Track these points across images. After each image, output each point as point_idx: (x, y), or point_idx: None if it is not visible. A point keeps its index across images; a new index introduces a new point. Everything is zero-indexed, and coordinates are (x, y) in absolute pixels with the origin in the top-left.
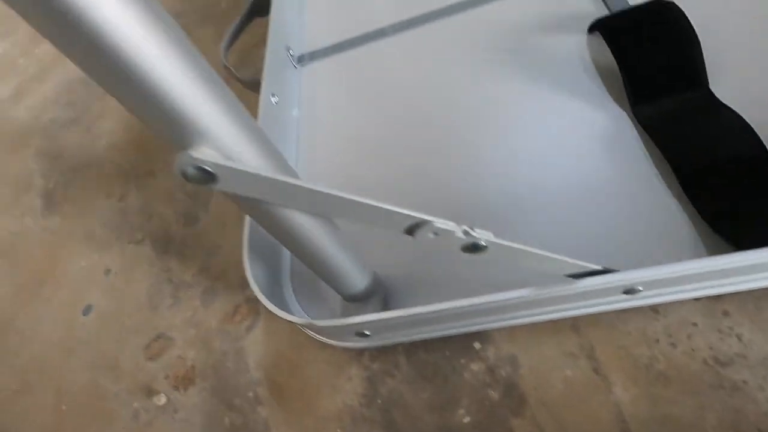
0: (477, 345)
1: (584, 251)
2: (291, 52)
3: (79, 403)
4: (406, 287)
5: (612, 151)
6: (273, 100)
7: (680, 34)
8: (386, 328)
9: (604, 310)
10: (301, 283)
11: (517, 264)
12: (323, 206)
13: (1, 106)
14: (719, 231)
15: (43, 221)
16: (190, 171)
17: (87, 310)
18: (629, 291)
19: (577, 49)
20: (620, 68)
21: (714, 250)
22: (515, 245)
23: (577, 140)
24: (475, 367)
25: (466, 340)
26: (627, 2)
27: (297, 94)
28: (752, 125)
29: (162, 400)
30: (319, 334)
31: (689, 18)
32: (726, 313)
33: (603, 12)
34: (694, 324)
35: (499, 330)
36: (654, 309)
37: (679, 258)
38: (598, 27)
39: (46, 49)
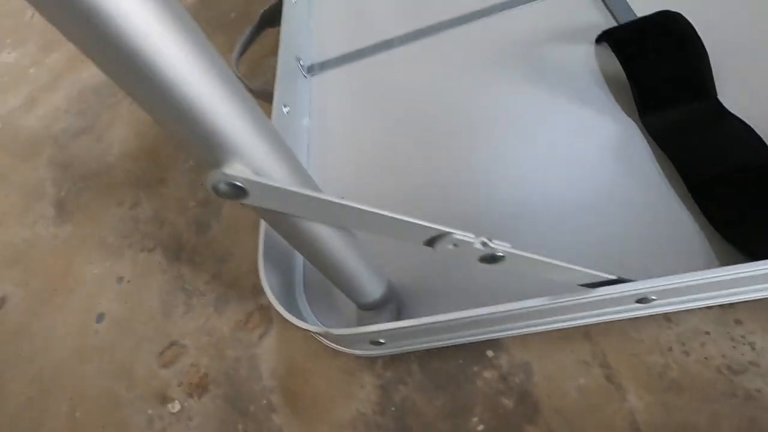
0: (490, 353)
1: (595, 260)
2: (301, 62)
3: (93, 411)
4: (418, 295)
5: (621, 161)
6: (284, 110)
7: (687, 44)
8: (401, 336)
9: (616, 319)
10: (314, 291)
11: (531, 274)
12: (347, 219)
13: (13, 116)
14: (730, 239)
15: (55, 229)
16: (222, 187)
17: (100, 318)
18: (642, 300)
19: (585, 60)
20: (628, 78)
21: (724, 258)
22: (532, 256)
23: (586, 150)
24: (488, 374)
25: (478, 347)
26: (634, 13)
27: (307, 103)
28: (761, 134)
29: (176, 407)
30: (333, 343)
31: (696, 28)
32: (738, 322)
33: (610, 23)
34: (707, 332)
35: (512, 338)
36: (666, 317)
37: (690, 266)
38: (605, 38)
39: (56, 58)
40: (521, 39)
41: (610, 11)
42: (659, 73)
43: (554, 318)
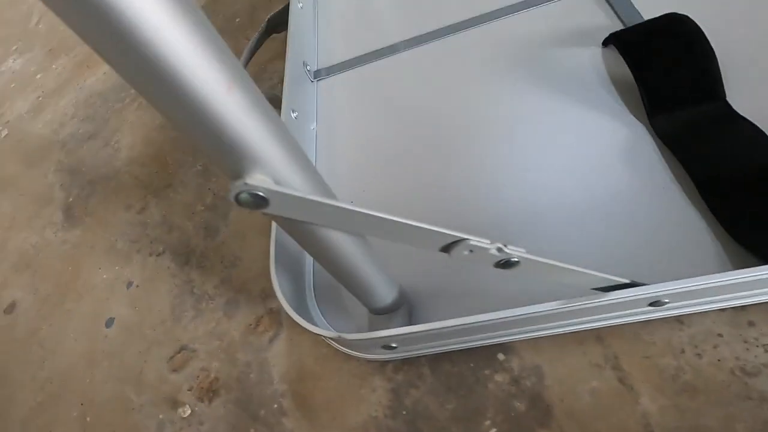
0: (501, 356)
1: (606, 264)
2: (308, 67)
3: (103, 416)
4: (429, 299)
5: (631, 164)
6: (293, 115)
7: (695, 46)
8: (413, 340)
9: (628, 322)
10: (324, 295)
11: (544, 278)
12: (364, 226)
13: (21, 122)
14: (741, 241)
15: (64, 234)
16: (244, 197)
17: (110, 323)
18: (655, 303)
19: (592, 63)
20: (636, 81)
21: (736, 261)
22: (547, 261)
23: (596, 153)
24: (499, 378)
25: (489, 351)
26: (641, 16)
27: (314, 108)
28: None
29: (187, 411)
30: (345, 347)
31: (704, 30)
32: (752, 324)
33: (617, 26)
34: (720, 335)
35: (523, 341)
36: (678, 320)
37: (702, 269)
38: (613, 41)
39: (63, 63)
40: (527, 43)
41: (617, 14)
42: (667, 76)
43: (566, 321)
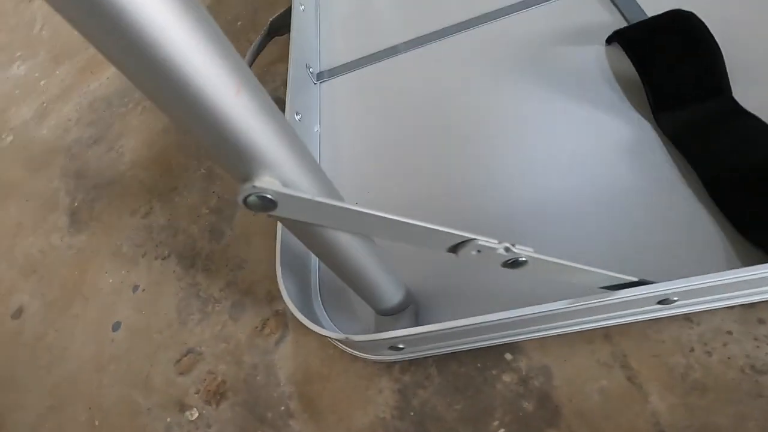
0: (508, 356)
1: (614, 262)
2: (311, 69)
3: (111, 419)
4: (435, 299)
5: (638, 161)
6: (297, 117)
7: (700, 42)
8: (421, 341)
9: (637, 320)
10: (330, 297)
11: (551, 277)
12: (372, 228)
13: (26, 127)
14: (750, 238)
15: (69, 239)
16: (252, 200)
17: (116, 327)
18: (664, 301)
19: (596, 61)
20: (641, 78)
21: (745, 257)
22: (555, 260)
23: (601, 151)
24: (507, 378)
25: (496, 351)
26: (645, 13)
27: (318, 110)
28: None
29: (194, 414)
30: (352, 349)
31: (709, 26)
32: (762, 321)
33: (621, 23)
34: (729, 332)
35: (530, 341)
36: (687, 317)
37: (711, 266)
38: (616, 38)
39: (66, 69)
40: (530, 42)
41: (620, 11)
42: (672, 73)
43: (574, 320)
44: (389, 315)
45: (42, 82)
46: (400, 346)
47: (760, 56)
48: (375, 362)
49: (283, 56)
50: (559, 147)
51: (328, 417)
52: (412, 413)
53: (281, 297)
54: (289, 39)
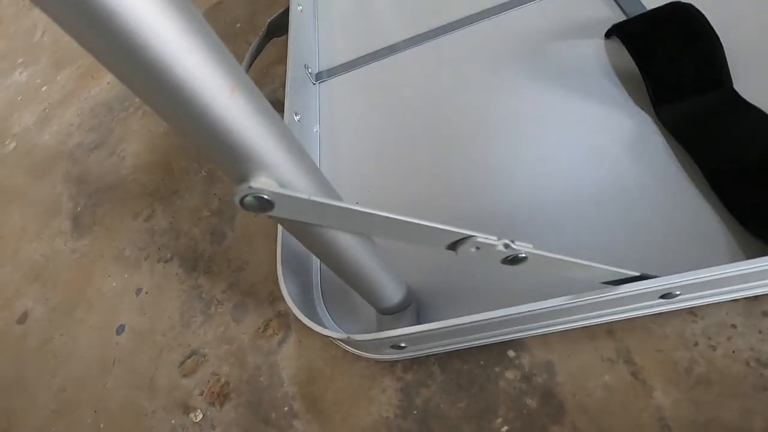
0: (511, 353)
1: (616, 257)
2: (309, 69)
3: (117, 422)
4: (437, 297)
5: (638, 155)
6: (296, 118)
7: (700, 34)
8: (422, 339)
9: (640, 315)
10: (332, 297)
11: (553, 273)
12: (370, 227)
13: (28, 134)
14: (753, 230)
15: (73, 244)
16: (249, 200)
17: (120, 330)
18: (666, 295)
19: (596, 55)
20: (641, 72)
21: (748, 250)
22: (555, 256)
23: (602, 146)
24: (510, 375)
25: (499, 348)
26: (643, 6)
27: (317, 110)
28: None
29: (199, 416)
30: (354, 348)
31: (709, 18)
32: (766, 314)
33: (619, 17)
34: (733, 326)
35: (533, 337)
36: (691, 312)
37: (713, 260)
38: (615, 32)
39: (67, 75)
40: (529, 37)
41: (619, 5)
42: (672, 65)
43: (576, 316)
44: (391, 314)
45: (44, 88)
46: (402, 344)
47: (760, 47)
48: (378, 361)
49: (282, 58)
50: (559, 143)
51: (332, 417)
52: (415, 412)
53: (283, 298)
54: (287, 40)
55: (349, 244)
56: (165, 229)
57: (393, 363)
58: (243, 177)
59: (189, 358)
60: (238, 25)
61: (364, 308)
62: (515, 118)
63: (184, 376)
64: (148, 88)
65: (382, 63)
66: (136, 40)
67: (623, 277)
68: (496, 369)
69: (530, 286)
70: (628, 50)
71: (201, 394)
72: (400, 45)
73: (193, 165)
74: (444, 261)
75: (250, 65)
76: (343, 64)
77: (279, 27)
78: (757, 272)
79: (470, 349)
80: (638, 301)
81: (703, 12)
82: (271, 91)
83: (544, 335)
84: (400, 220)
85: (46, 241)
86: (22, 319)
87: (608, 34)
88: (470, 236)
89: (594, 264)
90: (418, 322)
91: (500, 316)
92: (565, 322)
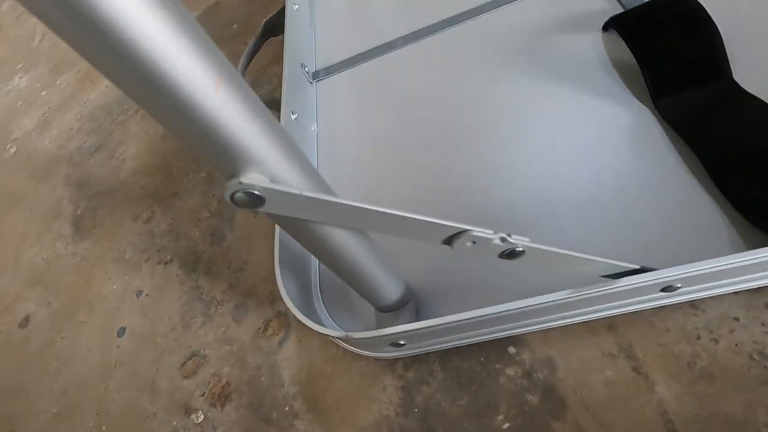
0: (511, 349)
1: (616, 250)
2: (306, 68)
3: (119, 424)
4: (436, 294)
5: (638, 148)
6: (293, 117)
7: (698, 25)
8: (421, 337)
9: (641, 309)
10: (331, 295)
11: (552, 267)
12: (365, 222)
13: (28, 138)
14: (754, 221)
15: (73, 247)
16: (239, 196)
17: (121, 332)
18: (667, 288)
19: (593, 48)
20: (639, 64)
21: (750, 241)
22: (552, 249)
23: (601, 140)
24: (511, 371)
25: (499, 344)
26: None
27: (314, 109)
28: None
29: (200, 417)
30: (353, 346)
31: (707, 8)
32: None
33: (616, 9)
34: (736, 318)
35: (533, 333)
36: (692, 305)
37: (714, 251)
38: (613, 24)
39: (66, 79)
40: (526, 32)
41: None
42: (671, 57)
43: (577, 311)
44: (389, 311)
45: (43, 93)
46: (401, 342)
47: (760, 37)
48: (378, 360)
49: (279, 58)
50: (558, 136)
51: (333, 416)
52: (416, 410)
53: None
54: (283, 39)
55: (344, 240)
56: (165, 231)
57: (393, 361)
58: (233, 173)
59: (190, 359)
60: (235, 26)
61: (363, 307)
62: (513, 113)
63: (185, 377)
64: (134, 84)
65: (378, 60)
66: (120, 36)
67: (623, 271)
68: (497, 366)
69: (529, 282)
70: (626, 43)
71: (202, 395)
72: (396, 42)
73: (192, 166)
74: (443, 258)
75: (247, 65)
76: (339, 63)
77: (275, 26)
78: (758, 263)
79: (470, 346)
80: (639, 294)
81: (701, 2)
82: (269, 90)
83: (545, 331)
84: (393, 214)
85: (47, 245)
86: (24, 323)
87: (606, 27)
88: (466, 230)
89: (592, 257)
90: (417, 320)
91: (500, 312)
92: (566, 317)
